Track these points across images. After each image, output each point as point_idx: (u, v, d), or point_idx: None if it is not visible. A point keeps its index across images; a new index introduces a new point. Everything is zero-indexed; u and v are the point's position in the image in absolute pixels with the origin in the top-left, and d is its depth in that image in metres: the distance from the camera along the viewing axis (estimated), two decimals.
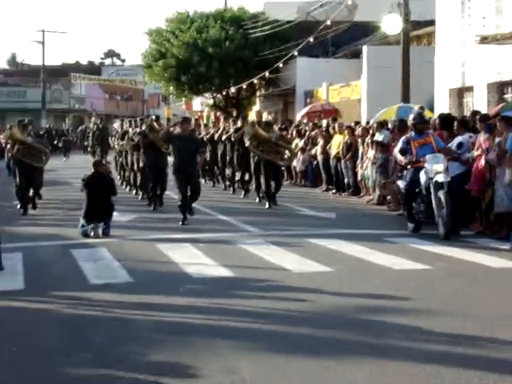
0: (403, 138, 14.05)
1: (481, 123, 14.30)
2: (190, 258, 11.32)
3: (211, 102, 45.62)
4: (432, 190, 12.99)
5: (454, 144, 14.98)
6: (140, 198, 20.16)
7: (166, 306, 8.45)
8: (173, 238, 13.29)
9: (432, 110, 24.27)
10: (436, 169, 13.04)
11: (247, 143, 18.50)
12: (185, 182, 15.07)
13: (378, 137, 19.77)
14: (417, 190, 13.50)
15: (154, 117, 19.59)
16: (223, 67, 40.62)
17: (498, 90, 23.45)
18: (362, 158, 20.67)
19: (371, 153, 19.67)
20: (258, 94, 43.83)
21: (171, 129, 17.50)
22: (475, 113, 16.68)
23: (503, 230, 13.25)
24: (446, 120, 16.04)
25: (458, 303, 8.38)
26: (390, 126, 19.40)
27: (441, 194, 12.82)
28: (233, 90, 40.19)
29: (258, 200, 19.04)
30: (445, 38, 25.50)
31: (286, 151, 19.09)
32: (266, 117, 29.18)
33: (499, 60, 22.22)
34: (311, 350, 6.71)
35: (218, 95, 44.08)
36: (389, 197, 18.41)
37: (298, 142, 24.89)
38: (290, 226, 14.87)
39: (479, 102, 23.34)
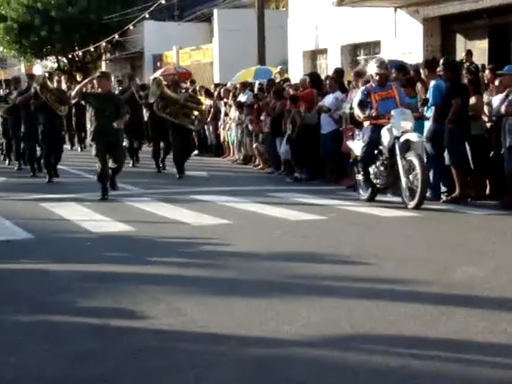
0: (362, 88, 12.26)
1: (356, 79, 14.81)
2: (82, 216, 11.26)
3: (55, 65, 44.60)
4: (398, 152, 11.32)
5: (325, 101, 15.52)
6: (16, 168, 18.28)
7: (81, 259, 8.43)
8: (55, 198, 13.14)
9: (287, 71, 24.77)
10: (404, 126, 11.40)
11: (154, 106, 16.62)
12: (104, 150, 12.93)
13: (242, 98, 20.12)
14: (376, 152, 11.82)
15: (46, 74, 17.88)
16: (67, 31, 39.79)
17: (350, 52, 24.29)
18: (224, 120, 20.95)
19: (234, 114, 19.97)
20: (103, 57, 43.24)
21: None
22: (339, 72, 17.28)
23: None
24: (316, 78, 16.55)
25: (367, 247, 8.81)
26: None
27: (412, 156, 11.20)
28: (80, 53, 39.44)
29: (157, 170, 17.85)
30: (297, 2, 26.04)
31: (196, 113, 17.32)
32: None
33: (352, 23, 23.00)
34: (243, 291, 6.94)
35: (63, 59, 43.15)
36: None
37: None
38: (171, 186, 14.96)
39: (333, 64, 24.00)
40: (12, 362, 5.25)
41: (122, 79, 25.29)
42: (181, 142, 16.49)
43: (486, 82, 12.91)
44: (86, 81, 14.61)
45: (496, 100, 11.95)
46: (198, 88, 22.85)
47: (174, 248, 8.95)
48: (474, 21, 19.62)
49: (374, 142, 11.71)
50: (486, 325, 5.71)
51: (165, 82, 17.56)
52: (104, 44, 38.75)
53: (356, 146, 12.48)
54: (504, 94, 11.72)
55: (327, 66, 24.66)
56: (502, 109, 11.43)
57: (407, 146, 11.37)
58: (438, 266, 7.71)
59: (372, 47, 23.29)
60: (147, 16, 33.53)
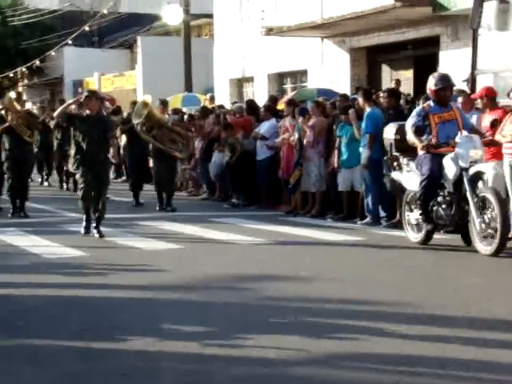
0: (418, 109, 10.53)
1: (288, 108, 15.13)
2: (30, 242, 11.17)
3: None
4: (467, 187, 9.62)
5: (260, 129, 15.75)
6: None
7: (39, 284, 8.37)
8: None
9: (213, 99, 24.97)
10: (473, 156, 9.70)
11: (139, 128, 14.79)
12: (91, 180, 11.45)
13: None
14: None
15: (13, 94, 15.45)
16: None
17: (277, 80, 24.70)
18: None
19: None
20: (20, 83, 42.69)
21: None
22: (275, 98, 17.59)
23: (314, 209, 14.17)
24: (252, 106, 16.78)
25: (323, 269, 9.03)
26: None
27: (486, 192, 9.54)
28: None
29: (135, 203, 15.90)
30: (224, 30, 26.38)
31: (181, 139, 15.36)
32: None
33: (279, 52, 23.41)
34: (216, 312, 7.05)
35: None
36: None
37: None
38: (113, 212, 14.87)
39: (260, 92, 24.45)
40: None
41: (44, 106, 24.96)
42: (164, 170, 15.10)
43: None
44: (70, 101, 12.82)
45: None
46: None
47: (137, 272, 8.98)
48: (399, 51, 20.22)
49: (435, 174, 9.87)
50: (463, 341, 5.94)
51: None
52: (22, 69, 38.25)
53: (406, 178, 10.67)
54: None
55: (253, 94, 25.01)
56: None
57: (477, 179, 9.87)
58: (397, 287, 7.95)
59: (299, 76, 23.75)
60: (70, 42, 33.32)
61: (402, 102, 13.31)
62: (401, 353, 5.72)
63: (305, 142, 13.99)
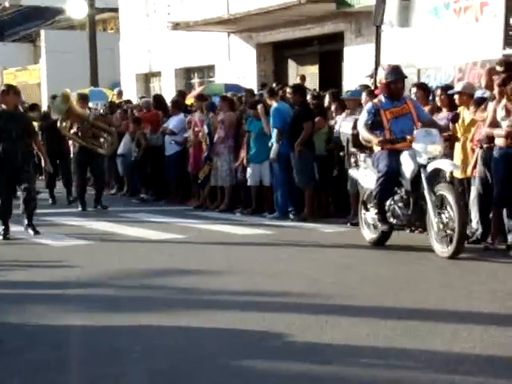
0: (368, 106, 9.96)
1: (198, 102, 15.21)
2: None
3: None
4: (425, 184, 9.15)
5: (169, 124, 15.76)
6: None
7: None
8: None
9: (121, 94, 24.79)
10: (431, 151, 9.28)
11: (58, 124, 14.21)
12: (7, 181, 10.91)
13: None
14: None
15: None
16: None
17: (185, 74, 24.70)
18: None
19: None
20: None
21: None
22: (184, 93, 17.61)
23: (223, 203, 14.29)
24: (160, 100, 16.77)
25: (234, 263, 9.15)
26: None
27: (444, 190, 9.07)
28: None
29: (67, 203, 15.42)
30: (130, 25, 26.21)
31: (105, 135, 14.80)
32: None
33: (186, 46, 23.38)
34: (128, 308, 7.08)
35: None
36: None
37: None
38: None
39: (167, 87, 24.40)
40: None
41: None
42: (87, 168, 14.53)
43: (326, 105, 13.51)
44: None
45: (338, 122, 12.60)
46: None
47: (44, 268, 8.93)
48: (305, 47, 20.46)
49: (392, 171, 9.42)
50: (369, 332, 6.12)
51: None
52: None
53: (362, 175, 10.31)
54: (345, 116, 12.41)
55: (161, 89, 24.94)
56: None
57: (436, 176, 9.43)
58: (307, 279, 8.12)
59: (206, 71, 23.79)
60: None
61: (308, 97, 13.49)
62: (307, 340, 5.88)
63: (216, 137, 14.09)
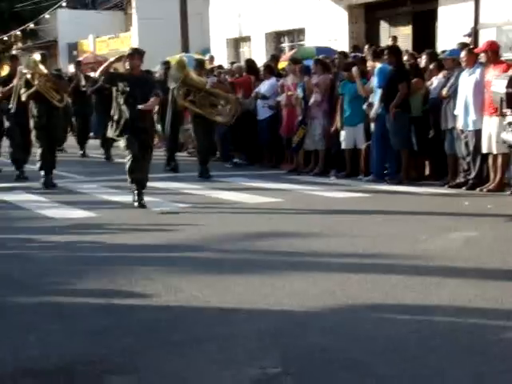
0: None
1: (291, 66, 15.13)
2: (41, 204, 11.24)
3: None
4: None
5: (261, 88, 15.74)
6: None
7: (56, 244, 8.46)
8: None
9: (212, 59, 24.88)
10: None
11: (175, 92, 13.46)
12: (136, 143, 10.52)
13: None
14: None
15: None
16: None
17: (274, 39, 24.61)
18: None
19: None
20: (14, 47, 42.43)
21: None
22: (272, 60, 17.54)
23: (317, 167, 14.26)
24: (252, 65, 16.76)
25: (334, 226, 9.14)
26: None
27: None
28: None
29: (168, 167, 15.11)
30: None
31: (222, 102, 13.86)
32: None
33: (276, 10, 23.29)
34: (233, 269, 7.14)
35: None
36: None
37: None
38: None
39: (257, 52, 24.37)
40: (31, 339, 5.32)
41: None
42: (205, 137, 13.93)
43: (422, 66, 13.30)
44: (112, 59, 10.94)
45: (435, 83, 12.40)
46: None
47: (149, 231, 9.07)
48: (397, 7, 20.13)
49: None
50: (477, 292, 6.05)
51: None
52: (16, 33, 38.02)
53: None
54: (443, 76, 12.20)
55: (251, 53, 24.92)
56: (444, 91, 11.88)
57: None
58: (409, 241, 8.06)
59: (296, 34, 23.67)
60: (64, 4, 33.11)
61: (405, 58, 13.28)
62: (418, 303, 5.85)
63: (311, 100, 14.01)
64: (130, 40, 32.77)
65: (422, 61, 13.18)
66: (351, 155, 13.62)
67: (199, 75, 13.80)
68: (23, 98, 12.56)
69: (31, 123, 12.78)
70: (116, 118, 10.51)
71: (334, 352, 4.95)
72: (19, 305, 6.15)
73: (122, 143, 10.67)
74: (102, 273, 7.10)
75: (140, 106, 10.26)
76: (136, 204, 10.58)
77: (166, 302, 6.10)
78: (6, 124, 13.91)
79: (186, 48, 26.12)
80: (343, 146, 13.61)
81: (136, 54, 10.53)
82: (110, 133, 10.73)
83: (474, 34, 13.27)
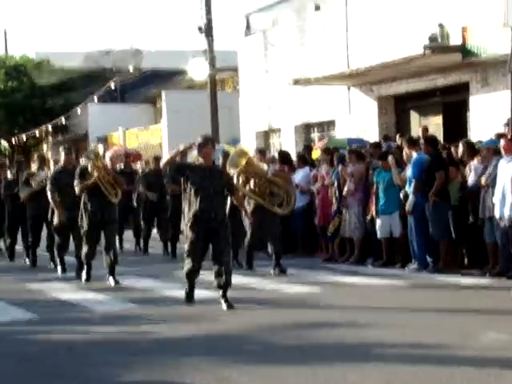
0: None
1: (325, 155, 15.21)
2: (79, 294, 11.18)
3: None
4: None
5: (295, 177, 15.78)
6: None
7: (97, 335, 8.37)
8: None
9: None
10: None
11: (234, 179, 11.94)
12: (202, 244, 9.73)
13: None
14: None
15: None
16: (10, 116, 40.00)
17: (304, 130, 24.79)
18: None
19: None
20: (46, 140, 43.18)
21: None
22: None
23: (353, 256, 14.18)
24: (285, 155, 16.83)
25: (379, 316, 8.98)
26: None
27: None
28: (24, 137, 39.26)
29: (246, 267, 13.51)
30: (249, 82, 26.59)
31: (281, 192, 12.92)
32: None
33: (306, 102, 23.52)
34: (281, 358, 7.00)
35: (5, 143, 42.92)
36: None
37: None
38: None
39: (287, 143, 24.52)
40: None
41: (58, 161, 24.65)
42: (265, 228, 13.10)
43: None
44: (181, 147, 10.16)
45: (472, 171, 12.37)
46: None
47: (192, 322, 8.95)
48: (427, 98, 20.26)
49: None
50: None
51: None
52: (48, 127, 38.63)
53: None
54: (478, 163, 12.20)
55: (281, 145, 25.07)
56: (482, 180, 11.83)
57: None
58: (459, 332, 7.88)
59: (326, 126, 23.82)
60: (95, 99, 33.69)
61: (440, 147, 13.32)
62: None
63: (345, 190, 14.02)
64: (159, 132, 33.16)
65: (459, 149, 13.16)
66: (388, 243, 13.52)
67: (260, 162, 13.28)
68: (77, 190, 12.01)
69: (84, 218, 12.05)
70: (186, 211, 9.76)
71: None
72: None
73: (186, 245, 9.85)
74: (151, 364, 6.97)
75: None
76: (224, 307, 9.62)
77: None
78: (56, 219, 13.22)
79: (216, 139, 26.33)
80: (379, 235, 13.54)
81: (209, 143, 9.80)
82: (183, 226, 10.07)
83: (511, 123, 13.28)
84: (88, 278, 12.31)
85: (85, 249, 12.19)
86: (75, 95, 38.10)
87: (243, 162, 11.82)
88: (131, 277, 12.92)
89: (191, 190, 9.63)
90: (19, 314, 9.77)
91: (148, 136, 34.32)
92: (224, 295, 9.64)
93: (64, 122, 37.90)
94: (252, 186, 12.73)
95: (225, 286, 9.62)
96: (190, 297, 10.03)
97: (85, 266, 12.41)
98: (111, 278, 11.95)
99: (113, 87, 33.36)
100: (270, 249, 14.28)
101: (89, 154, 12.42)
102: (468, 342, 7.43)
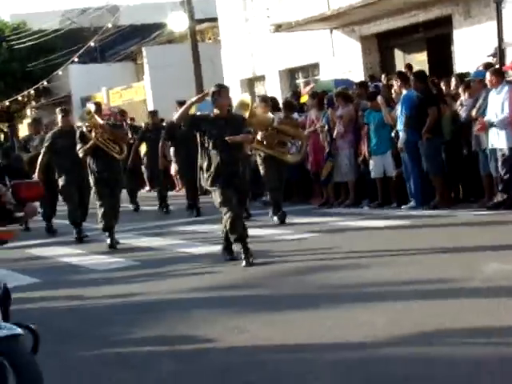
0: None
1: (313, 100, 15.11)
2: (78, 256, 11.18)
3: None
4: None
5: None
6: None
7: (103, 294, 8.38)
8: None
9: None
10: None
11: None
12: (232, 194, 9.18)
13: None
14: None
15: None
16: None
17: (288, 75, 24.66)
18: None
19: None
20: (28, 105, 42.78)
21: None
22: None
23: (348, 199, 14.17)
24: (274, 102, 16.70)
25: (385, 254, 9.02)
26: None
27: None
28: (7, 103, 38.93)
29: (274, 218, 12.82)
30: (230, 32, 26.34)
31: (292, 140, 12.63)
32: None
33: (288, 47, 23.33)
34: (290, 305, 7.03)
35: None
36: None
37: None
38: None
39: (272, 89, 24.38)
40: None
41: (48, 124, 24.47)
42: (277, 176, 12.73)
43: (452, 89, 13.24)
44: (194, 99, 9.63)
45: (463, 105, 12.34)
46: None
47: (195, 275, 8.98)
48: (410, 35, 20.13)
49: None
50: None
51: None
52: (30, 92, 38.29)
53: None
54: (469, 97, 12.16)
55: (266, 92, 24.92)
56: (473, 113, 11.80)
57: None
58: (462, 266, 7.92)
59: (311, 69, 23.69)
60: (76, 60, 33.35)
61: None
62: (490, 324, 5.72)
63: (335, 133, 13.96)
64: (143, 89, 32.95)
65: (452, 83, 13.09)
66: (382, 184, 13.51)
67: (265, 112, 12.38)
68: (80, 155, 11.65)
69: (91, 180, 11.79)
70: (205, 165, 9.21)
71: (417, 381, 4.82)
72: (84, 357, 6.05)
73: (216, 198, 9.23)
74: (160, 319, 6.99)
75: (227, 138, 9.02)
76: (244, 264, 9.09)
77: (230, 344, 5.99)
78: (60, 183, 12.97)
79: (201, 92, 26.13)
80: (373, 176, 13.52)
81: (222, 91, 9.21)
82: (203, 183, 9.44)
83: (500, 52, 13.20)
84: (112, 243, 11.62)
85: (100, 211, 11.70)
86: (55, 57, 37.69)
87: (246, 114, 10.56)
88: (132, 236, 12.92)
89: (209, 144, 9.10)
90: (24, 279, 9.74)
91: (132, 94, 34.13)
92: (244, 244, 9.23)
93: (45, 85, 37.60)
94: (259, 138, 12.15)
95: (244, 243, 9.19)
96: (246, 256, 9.14)
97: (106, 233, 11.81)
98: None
99: (92, 46, 32.91)
100: (268, 197, 14.18)
101: (83, 115, 11.99)
102: (472, 274, 7.46)
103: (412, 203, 12.61)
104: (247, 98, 11.13)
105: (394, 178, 13.26)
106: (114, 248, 11.51)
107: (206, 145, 9.12)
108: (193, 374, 5.39)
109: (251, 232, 10.24)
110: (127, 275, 9.37)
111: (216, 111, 9.20)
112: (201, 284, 8.40)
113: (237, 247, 9.41)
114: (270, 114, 12.39)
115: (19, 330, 3.91)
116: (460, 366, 4.99)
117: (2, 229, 4.37)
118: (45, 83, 36.34)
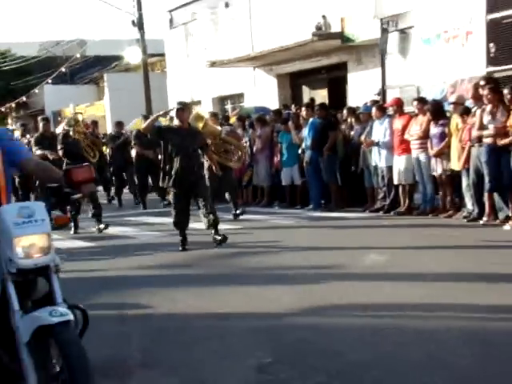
0: None
1: (238, 122, 15.15)
2: None
3: None
4: None
5: None
6: None
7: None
8: None
9: (172, 119, 24.73)
10: None
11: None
12: (185, 196, 9.04)
13: None
14: None
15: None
16: None
17: (219, 102, 24.65)
18: None
19: None
20: (9, 116, 41.86)
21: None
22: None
23: (263, 200, 14.26)
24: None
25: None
26: None
27: None
28: None
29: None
30: (174, 65, 26.25)
31: (233, 148, 12.06)
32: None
33: (220, 79, 23.36)
34: (222, 281, 7.04)
35: None
36: None
37: None
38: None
39: (206, 112, 24.30)
40: None
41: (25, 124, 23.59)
42: (226, 181, 12.04)
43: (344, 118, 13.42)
44: (160, 113, 9.77)
45: (355, 131, 12.55)
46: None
47: (144, 255, 8.90)
48: (315, 75, 20.36)
49: None
50: (423, 293, 6.08)
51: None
52: (12, 105, 37.51)
53: None
54: (361, 126, 12.37)
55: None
56: (362, 138, 12.03)
57: None
58: (350, 255, 8.06)
59: (237, 98, 23.72)
60: (50, 82, 32.75)
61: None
62: (368, 302, 5.85)
63: (255, 148, 14.06)
64: (103, 107, 32.50)
65: (344, 113, 13.32)
66: (290, 190, 13.64)
67: (214, 124, 12.19)
68: (61, 153, 11.03)
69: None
70: (167, 168, 8.96)
71: (307, 344, 4.91)
72: None
73: (170, 196, 9.30)
74: (112, 289, 6.94)
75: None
76: (218, 238, 8.99)
77: (168, 311, 5.99)
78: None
79: (149, 112, 25.92)
80: (283, 183, 13.64)
81: (185, 108, 9.18)
82: (162, 183, 9.18)
83: (383, 93, 13.48)
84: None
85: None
86: (33, 78, 37.17)
87: (200, 124, 10.65)
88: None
89: (172, 151, 8.85)
90: None
91: (94, 110, 33.54)
92: (216, 231, 9.02)
93: (24, 100, 36.91)
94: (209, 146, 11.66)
95: (214, 222, 9.00)
96: (182, 244, 9.12)
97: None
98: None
99: (64, 71, 32.36)
100: (227, 198, 13.83)
101: (70, 121, 11.61)
102: (355, 263, 7.59)
103: (312, 206, 12.78)
104: (202, 112, 10.44)
105: (299, 186, 13.41)
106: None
107: (169, 151, 8.91)
108: (136, 334, 5.38)
109: (192, 225, 10.26)
110: (93, 252, 9.24)
111: (178, 123, 9.06)
112: (148, 263, 8.34)
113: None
114: (218, 127, 12.26)
115: (71, 316, 3.46)
116: (343, 332, 5.10)
117: (59, 214, 4.01)
118: (24, 98, 35.61)
